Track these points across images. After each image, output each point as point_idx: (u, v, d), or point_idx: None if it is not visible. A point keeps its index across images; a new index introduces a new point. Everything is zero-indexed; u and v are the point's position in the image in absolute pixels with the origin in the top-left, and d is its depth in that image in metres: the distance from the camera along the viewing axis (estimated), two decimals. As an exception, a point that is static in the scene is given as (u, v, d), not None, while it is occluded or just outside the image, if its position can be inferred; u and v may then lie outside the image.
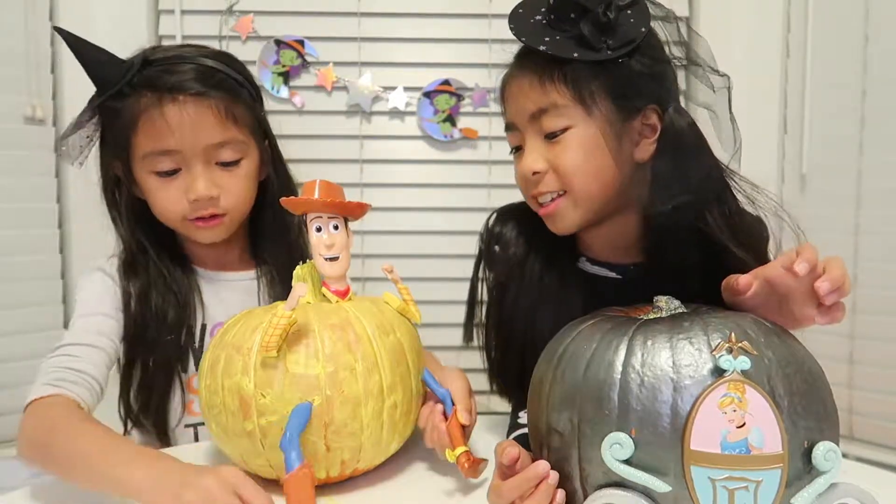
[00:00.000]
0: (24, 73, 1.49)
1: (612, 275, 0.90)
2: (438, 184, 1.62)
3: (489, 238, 0.97)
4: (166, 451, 0.87)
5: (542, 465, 0.60)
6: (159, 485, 0.63)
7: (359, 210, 0.79)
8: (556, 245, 0.89)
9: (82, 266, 1.58)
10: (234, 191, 0.94)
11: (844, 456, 0.53)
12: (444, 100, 1.59)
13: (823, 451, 0.52)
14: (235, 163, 0.94)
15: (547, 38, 0.78)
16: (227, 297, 1.01)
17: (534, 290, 0.87)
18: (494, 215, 0.98)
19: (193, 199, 0.91)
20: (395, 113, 1.60)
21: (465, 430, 0.77)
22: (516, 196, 1.60)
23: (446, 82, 1.59)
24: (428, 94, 1.59)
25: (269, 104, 1.58)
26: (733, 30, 1.57)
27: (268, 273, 1.03)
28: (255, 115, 0.98)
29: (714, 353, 0.53)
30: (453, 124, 1.60)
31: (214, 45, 1.58)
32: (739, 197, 0.83)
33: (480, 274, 0.97)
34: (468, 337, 0.97)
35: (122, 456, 0.69)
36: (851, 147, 1.46)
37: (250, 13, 1.57)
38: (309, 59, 1.58)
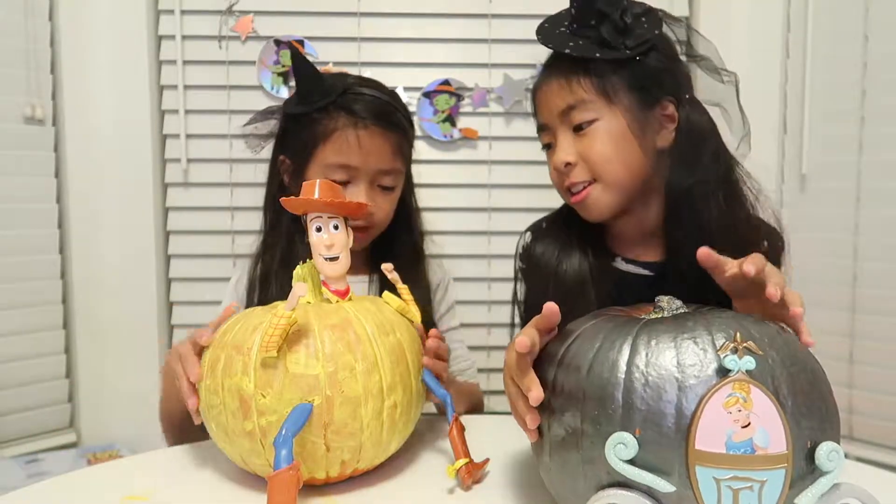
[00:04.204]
0: (24, 73, 1.49)
1: (646, 272, 0.95)
2: (438, 184, 1.62)
3: (527, 260, 1.02)
4: (171, 449, 0.87)
5: (536, 393, 0.59)
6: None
7: (359, 210, 0.79)
8: (591, 246, 0.96)
9: (82, 266, 1.59)
10: (384, 210, 1.08)
11: (844, 456, 0.53)
12: (444, 100, 1.59)
13: (826, 452, 0.52)
14: (391, 188, 1.08)
15: (571, 44, 0.88)
16: None
17: (569, 291, 0.93)
18: (528, 235, 1.04)
19: None
20: (395, 113, 1.59)
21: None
22: (515, 196, 1.62)
23: (446, 82, 1.59)
24: (428, 94, 1.59)
25: (268, 104, 1.58)
26: (733, 30, 1.57)
27: (379, 279, 1.10)
28: (410, 152, 1.14)
29: (719, 352, 0.53)
30: (453, 124, 1.60)
31: (214, 45, 1.58)
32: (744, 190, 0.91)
33: (519, 296, 1.03)
34: None
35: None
36: (851, 147, 1.46)
37: (250, 13, 1.57)
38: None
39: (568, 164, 0.89)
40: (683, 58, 0.94)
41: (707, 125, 0.91)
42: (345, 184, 1.03)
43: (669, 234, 0.92)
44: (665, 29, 0.91)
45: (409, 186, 1.17)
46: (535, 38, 0.90)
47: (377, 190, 1.06)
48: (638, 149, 0.88)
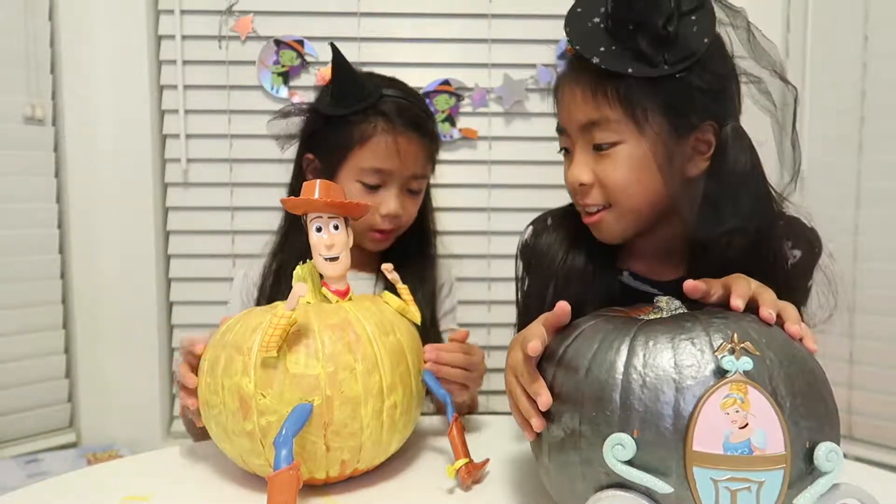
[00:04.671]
0: (24, 73, 1.49)
1: (655, 291, 0.87)
2: (438, 184, 1.62)
3: (529, 254, 0.96)
4: (171, 449, 0.87)
5: (545, 398, 0.60)
6: None
7: (359, 210, 0.79)
8: (596, 257, 0.88)
9: (82, 266, 1.59)
10: (410, 213, 1.11)
11: (844, 456, 0.53)
12: (444, 100, 1.59)
13: (825, 452, 0.52)
14: (418, 192, 1.11)
15: (602, 49, 0.75)
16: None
17: (570, 291, 0.86)
18: (529, 229, 0.98)
19: (385, 213, 1.05)
20: (395, 113, 1.59)
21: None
22: (515, 196, 1.62)
23: (446, 82, 1.59)
24: (428, 94, 1.58)
25: (268, 104, 1.58)
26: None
27: (385, 278, 1.09)
28: (436, 157, 1.16)
29: (716, 353, 0.53)
30: (453, 124, 1.60)
31: (214, 45, 1.58)
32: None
33: (520, 295, 0.97)
34: None
35: None
36: (851, 147, 1.46)
37: (250, 13, 1.57)
38: (309, 59, 1.58)
39: (583, 184, 0.80)
40: (738, 75, 0.80)
41: (747, 159, 0.77)
42: (377, 187, 1.06)
43: (691, 268, 0.84)
44: (720, 28, 0.78)
45: (427, 197, 1.19)
46: (562, 31, 0.79)
47: (406, 194, 1.09)
48: (661, 178, 0.77)
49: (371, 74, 1.14)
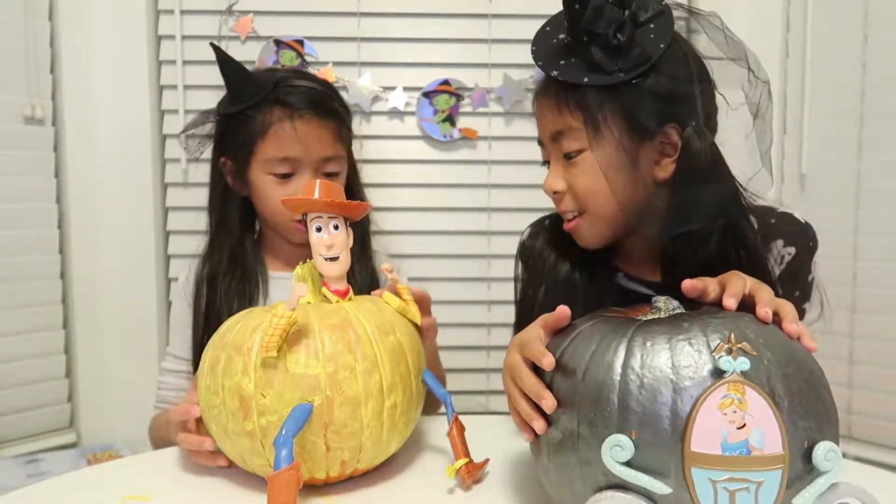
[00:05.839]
0: (24, 73, 1.49)
1: (649, 292, 0.88)
2: (438, 184, 1.62)
3: (526, 254, 0.98)
4: (171, 449, 0.87)
5: (550, 401, 0.60)
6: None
7: (358, 210, 0.79)
8: (591, 257, 0.90)
9: (82, 266, 1.59)
10: None
11: (843, 455, 0.53)
12: (444, 100, 1.59)
13: (824, 451, 0.52)
14: (336, 174, 1.09)
15: (562, 62, 0.79)
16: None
17: (569, 299, 0.87)
18: (528, 231, 1.01)
19: None
20: (395, 113, 1.60)
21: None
22: (515, 196, 1.63)
23: (446, 82, 1.59)
24: (427, 94, 1.59)
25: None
26: (733, 30, 1.57)
27: None
28: (350, 138, 1.15)
29: (714, 353, 0.53)
30: (453, 124, 1.60)
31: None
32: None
33: (520, 295, 0.99)
34: None
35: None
36: (850, 147, 1.46)
37: (250, 13, 1.57)
38: (308, 59, 1.58)
39: (556, 192, 0.85)
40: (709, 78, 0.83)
41: (708, 158, 0.79)
42: (289, 176, 1.04)
43: (667, 271, 0.86)
44: (685, 30, 0.82)
45: (354, 175, 1.18)
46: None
47: (322, 178, 1.05)
48: (628, 182, 0.80)
49: (271, 69, 1.13)
